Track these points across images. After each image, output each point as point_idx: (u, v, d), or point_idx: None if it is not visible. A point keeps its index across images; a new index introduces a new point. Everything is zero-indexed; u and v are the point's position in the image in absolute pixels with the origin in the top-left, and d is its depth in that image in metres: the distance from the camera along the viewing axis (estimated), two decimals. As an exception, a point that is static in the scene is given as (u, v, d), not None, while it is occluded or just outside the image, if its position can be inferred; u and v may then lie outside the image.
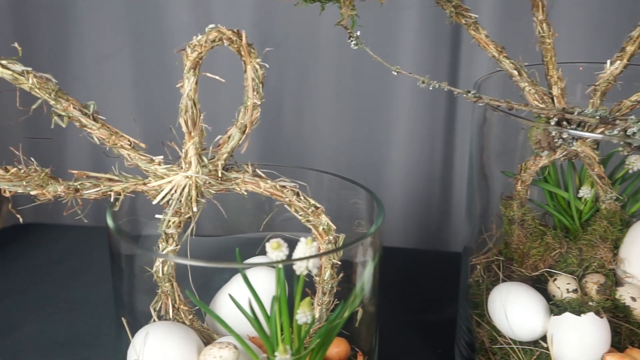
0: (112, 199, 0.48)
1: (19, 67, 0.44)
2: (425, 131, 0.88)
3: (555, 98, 0.58)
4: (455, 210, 0.91)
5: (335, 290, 0.53)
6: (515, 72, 0.58)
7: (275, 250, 0.42)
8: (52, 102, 0.45)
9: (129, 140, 0.48)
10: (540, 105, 0.56)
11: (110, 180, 0.48)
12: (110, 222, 0.46)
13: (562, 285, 0.55)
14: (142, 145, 0.48)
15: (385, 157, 0.90)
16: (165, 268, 0.49)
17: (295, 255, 0.42)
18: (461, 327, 0.62)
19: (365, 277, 0.46)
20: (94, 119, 0.47)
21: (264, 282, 0.52)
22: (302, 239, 0.42)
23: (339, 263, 0.52)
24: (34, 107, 0.45)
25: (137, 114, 0.91)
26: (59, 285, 0.78)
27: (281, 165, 0.53)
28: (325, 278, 0.52)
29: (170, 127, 0.49)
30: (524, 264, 0.57)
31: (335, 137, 0.91)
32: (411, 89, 0.87)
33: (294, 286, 0.50)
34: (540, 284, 0.57)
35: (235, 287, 0.53)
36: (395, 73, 0.51)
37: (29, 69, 0.44)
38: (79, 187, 0.47)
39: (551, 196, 0.60)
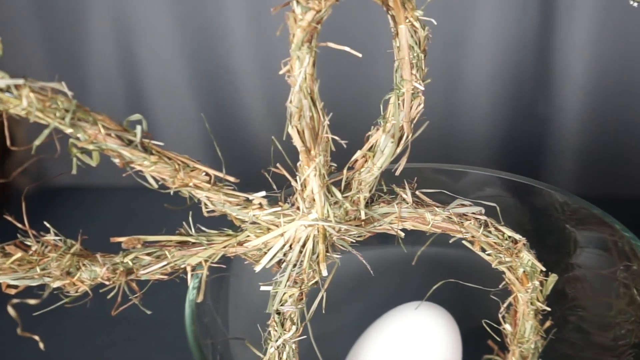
0: (189, 281, 0.28)
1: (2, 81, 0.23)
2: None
3: None
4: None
5: (541, 350, 0.34)
6: None
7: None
8: (68, 131, 0.25)
9: (207, 174, 0.28)
10: None
11: (181, 244, 0.28)
12: (191, 333, 0.27)
13: None
14: (231, 178, 0.28)
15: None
16: (285, 356, 0.30)
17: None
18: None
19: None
20: (145, 149, 0.26)
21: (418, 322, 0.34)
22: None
23: (548, 309, 0.33)
24: (37, 142, 0.25)
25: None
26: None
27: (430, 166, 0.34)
28: (526, 334, 0.33)
29: (273, 137, 0.28)
30: None
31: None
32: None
33: None
34: None
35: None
36: (636, 4, 0.30)
37: (20, 81, 0.24)
38: (131, 264, 0.27)
39: None
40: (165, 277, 0.28)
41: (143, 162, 0.26)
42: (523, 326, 0.33)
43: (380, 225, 0.30)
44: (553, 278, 0.32)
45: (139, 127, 0.26)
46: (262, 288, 0.30)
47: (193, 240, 0.28)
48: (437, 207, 0.30)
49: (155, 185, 0.27)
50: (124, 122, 0.26)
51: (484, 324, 0.33)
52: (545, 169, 0.66)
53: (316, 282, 0.30)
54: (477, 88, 0.63)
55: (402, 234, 0.30)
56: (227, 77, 0.64)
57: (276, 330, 0.30)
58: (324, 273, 0.29)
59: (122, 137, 0.26)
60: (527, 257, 0.31)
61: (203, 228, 0.29)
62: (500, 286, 0.32)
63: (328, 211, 0.28)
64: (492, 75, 0.62)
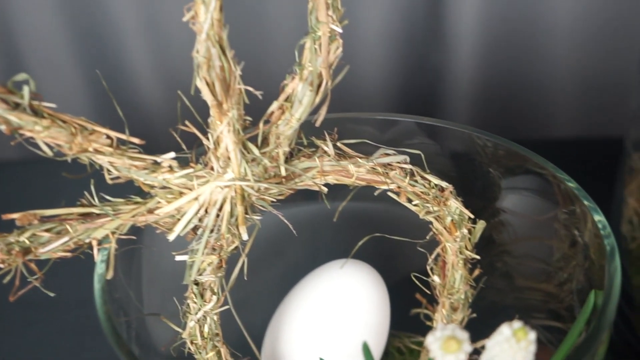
0: (96, 256, 0.25)
1: None
2: None
3: None
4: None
5: (470, 300, 0.33)
6: None
7: (453, 353, 0.21)
8: (-58, 96, 0.22)
9: (108, 137, 0.25)
10: None
11: (84, 217, 0.25)
12: (102, 311, 0.24)
13: None
14: (135, 140, 0.25)
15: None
16: (206, 328, 0.28)
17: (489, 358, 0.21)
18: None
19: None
20: (35, 112, 0.23)
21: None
22: (505, 329, 0.21)
23: (477, 257, 0.31)
24: None
25: None
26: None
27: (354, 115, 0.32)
28: (456, 284, 0.32)
29: (179, 92, 0.26)
30: None
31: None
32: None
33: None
34: None
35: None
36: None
37: None
38: (28, 242, 0.24)
39: None
40: (69, 254, 0.25)
41: (34, 127, 0.23)
42: (452, 277, 0.32)
43: (302, 181, 0.28)
44: (481, 225, 0.31)
45: (26, 88, 0.23)
46: (177, 258, 0.27)
47: (97, 212, 0.25)
48: (361, 158, 0.28)
49: (50, 153, 0.24)
50: (8, 83, 0.23)
51: (412, 277, 0.32)
52: (441, 116, 0.65)
53: (236, 247, 0.28)
54: (369, 39, 0.61)
55: (325, 189, 0.28)
56: (109, 34, 0.60)
57: (195, 302, 0.28)
58: (244, 237, 0.27)
59: (7, 100, 0.23)
60: (455, 205, 0.30)
61: (108, 197, 0.26)
62: (427, 237, 0.31)
63: (245, 169, 0.26)
64: (384, 25, 0.61)
